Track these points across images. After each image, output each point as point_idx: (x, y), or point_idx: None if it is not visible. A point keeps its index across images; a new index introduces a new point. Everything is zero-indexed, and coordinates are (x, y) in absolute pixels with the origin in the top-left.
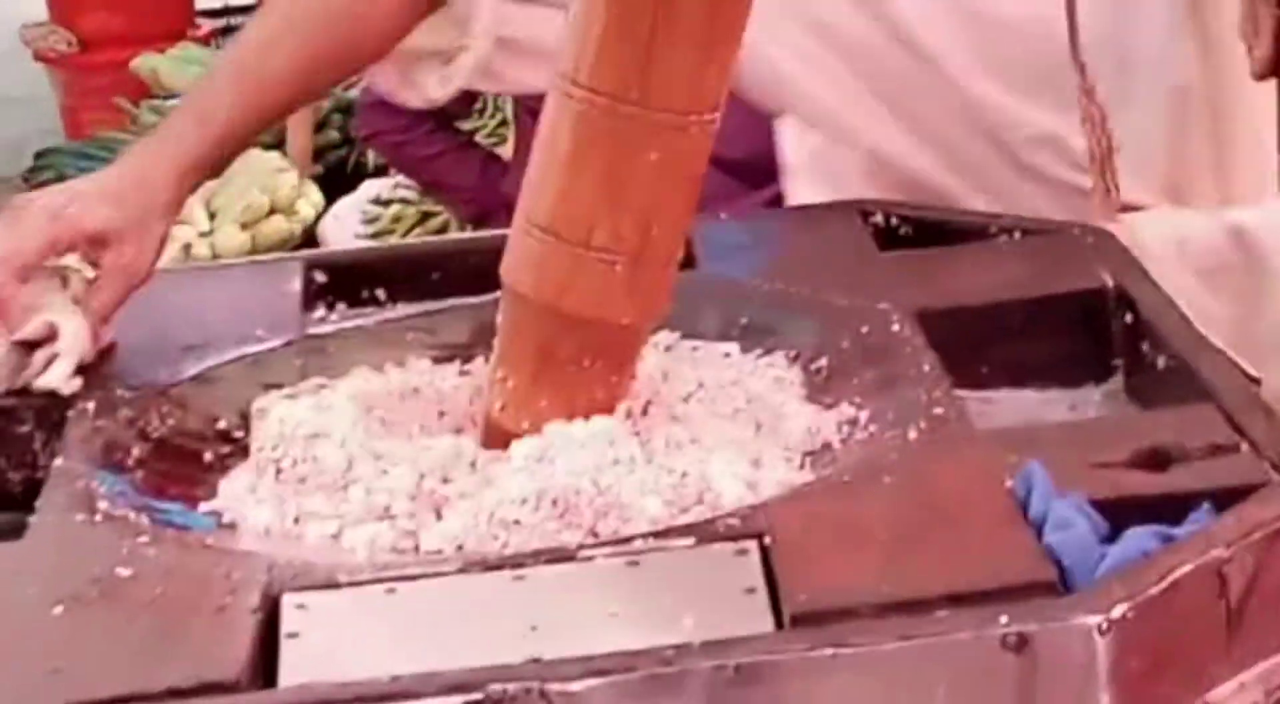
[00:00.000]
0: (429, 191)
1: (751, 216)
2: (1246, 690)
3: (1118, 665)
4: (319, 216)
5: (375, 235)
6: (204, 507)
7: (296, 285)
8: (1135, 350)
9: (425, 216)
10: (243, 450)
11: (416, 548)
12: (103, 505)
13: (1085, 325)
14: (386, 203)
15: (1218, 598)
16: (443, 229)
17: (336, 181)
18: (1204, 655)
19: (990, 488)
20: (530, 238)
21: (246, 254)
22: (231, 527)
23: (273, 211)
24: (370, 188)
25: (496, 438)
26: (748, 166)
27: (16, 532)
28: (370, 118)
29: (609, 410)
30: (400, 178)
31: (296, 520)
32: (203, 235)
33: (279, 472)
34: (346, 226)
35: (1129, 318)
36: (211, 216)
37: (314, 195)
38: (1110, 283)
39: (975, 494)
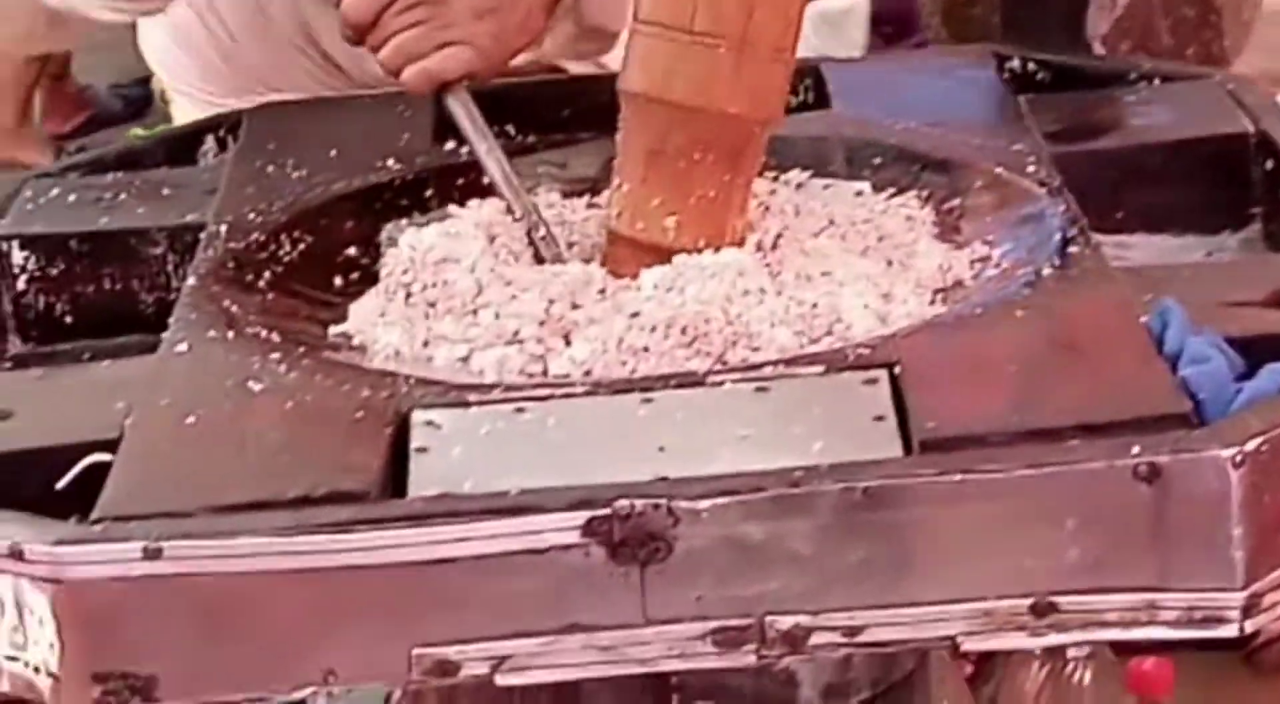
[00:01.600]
0: None
1: (885, 58)
2: None
3: (1250, 499)
4: None
5: None
6: (334, 329)
7: (428, 117)
8: (1275, 198)
9: None
10: (372, 276)
11: (545, 372)
12: (235, 323)
13: (1224, 171)
14: None
15: None
16: None
17: None
18: None
19: (1125, 323)
20: (638, 35)
21: None
22: (361, 348)
23: None
24: None
25: (616, 246)
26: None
27: (151, 350)
28: None
29: (722, 212)
30: None
31: (425, 343)
32: None
33: (408, 296)
34: None
35: (1269, 165)
36: None
37: None
38: (1251, 128)
39: (1109, 328)
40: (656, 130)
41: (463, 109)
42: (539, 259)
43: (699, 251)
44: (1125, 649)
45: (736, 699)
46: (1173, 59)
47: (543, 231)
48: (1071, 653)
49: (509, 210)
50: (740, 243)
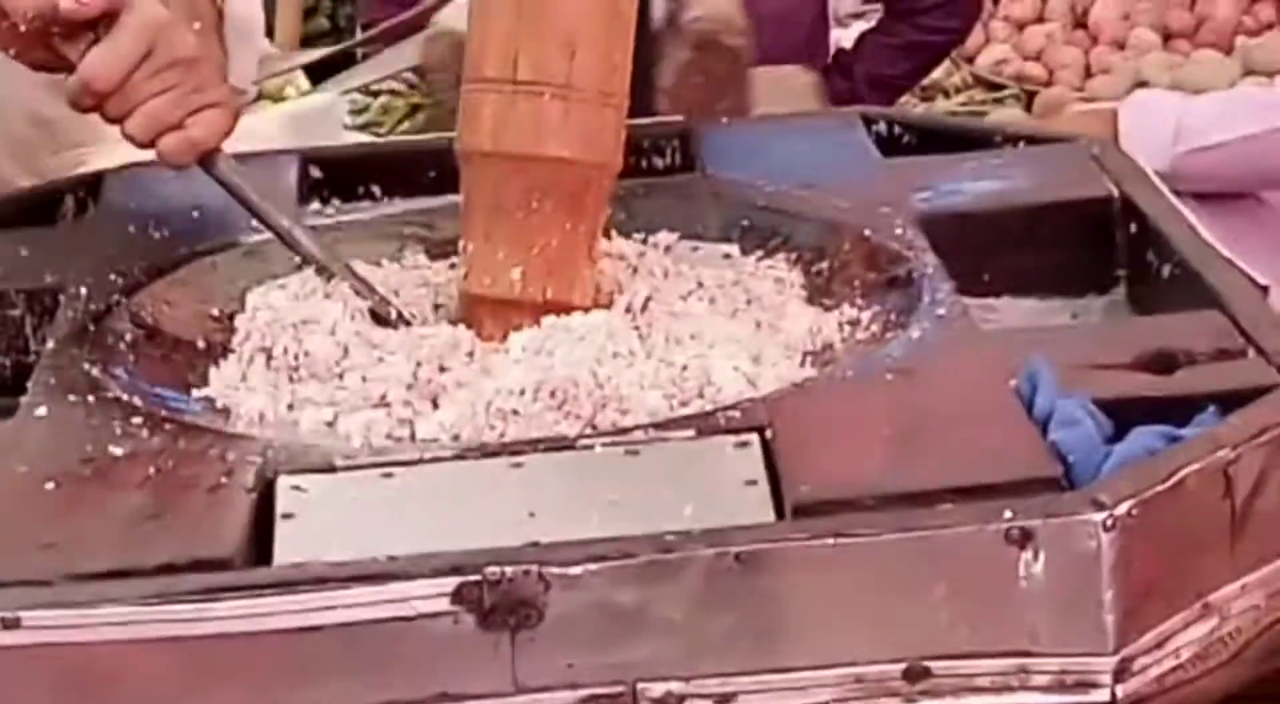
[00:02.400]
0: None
1: (754, 121)
2: (1249, 593)
3: (1121, 562)
4: None
5: (363, 127)
6: (196, 393)
7: (292, 179)
8: (1139, 259)
9: (414, 109)
10: (237, 338)
11: (413, 436)
12: (96, 388)
13: (1088, 235)
14: (375, 93)
15: (1223, 499)
16: (432, 122)
17: (326, 71)
18: (1207, 556)
19: (994, 386)
20: (466, 95)
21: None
22: (225, 412)
23: (259, 98)
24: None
25: (471, 308)
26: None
27: (7, 413)
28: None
29: (568, 261)
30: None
31: (290, 407)
32: None
33: (273, 359)
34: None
35: (1133, 228)
36: None
37: (301, 83)
38: (1115, 192)
39: (979, 392)
40: (493, 184)
41: (235, 176)
42: (378, 320)
43: (549, 304)
44: None
45: None
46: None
47: (376, 296)
48: None
49: (320, 272)
50: (600, 298)
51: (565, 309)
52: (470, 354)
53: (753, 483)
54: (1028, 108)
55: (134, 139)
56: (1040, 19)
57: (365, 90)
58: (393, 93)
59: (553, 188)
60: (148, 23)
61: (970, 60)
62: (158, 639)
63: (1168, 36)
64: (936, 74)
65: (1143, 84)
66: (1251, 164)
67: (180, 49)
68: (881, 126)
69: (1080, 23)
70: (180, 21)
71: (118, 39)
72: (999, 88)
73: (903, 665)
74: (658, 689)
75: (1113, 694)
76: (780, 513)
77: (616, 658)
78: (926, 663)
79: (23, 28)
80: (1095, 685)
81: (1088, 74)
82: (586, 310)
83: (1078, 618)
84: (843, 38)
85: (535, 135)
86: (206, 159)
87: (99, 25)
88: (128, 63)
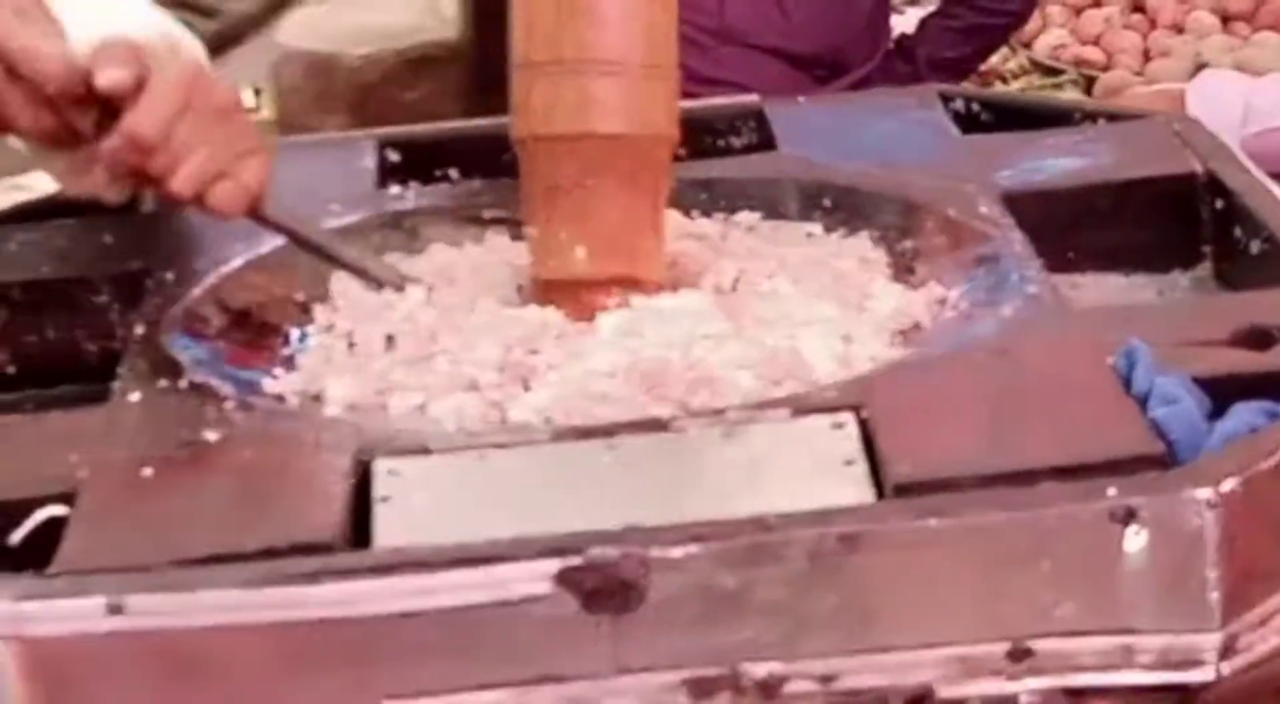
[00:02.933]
0: None
1: (829, 99)
2: None
3: (1226, 539)
4: None
5: None
6: (284, 378)
7: (370, 163)
8: (1226, 235)
9: None
10: (322, 323)
11: (503, 419)
12: (186, 372)
13: (1173, 211)
14: None
15: None
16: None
17: None
18: None
19: (1091, 364)
20: (518, 83)
21: None
22: (314, 397)
23: None
24: None
25: (541, 292)
26: (816, 61)
27: (98, 399)
28: None
29: (631, 236)
30: None
31: (379, 391)
32: None
33: (358, 345)
34: None
35: (1219, 203)
36: None
37: None
38: (1199, 168)
39: (1076, 370)
40: (549, 167)
41: (285, 215)
42: None
43: (616, 281)
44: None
45: None
46: None
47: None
48: (1024, 699)
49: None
50: (685, 279)
51: (634, 284)
52: (559, 336)
53: (850, 463)
54: (1087, 92)
55: (181, 196)
56: (1098, 3)
57: None
58: None
59: (608, 165)
60: (183, 73)
61: (1028, 45)
62: (260, 624)
63: (1226, 19)
64: (994, 60)
65: (1203, 67)
66: None
67: (216, 97)
68: (959, 104)
69: (1138, 6)
70: (205, 68)
71: (158, 90)
72: (1057, 73)
73: (1006, 645)
74: (760, 670)
75: (1218, 672)
76: (880, 493)
77: (718, 640)
78: (1030, 643)
79: (50, 90)
80: (1200, 664)
81: (1146, 58)
82: (663, 287)
83: (1182, 596)
84: (901, 23)
85: (585, 114)
86: (255, 205)
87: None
88: (171, 113)
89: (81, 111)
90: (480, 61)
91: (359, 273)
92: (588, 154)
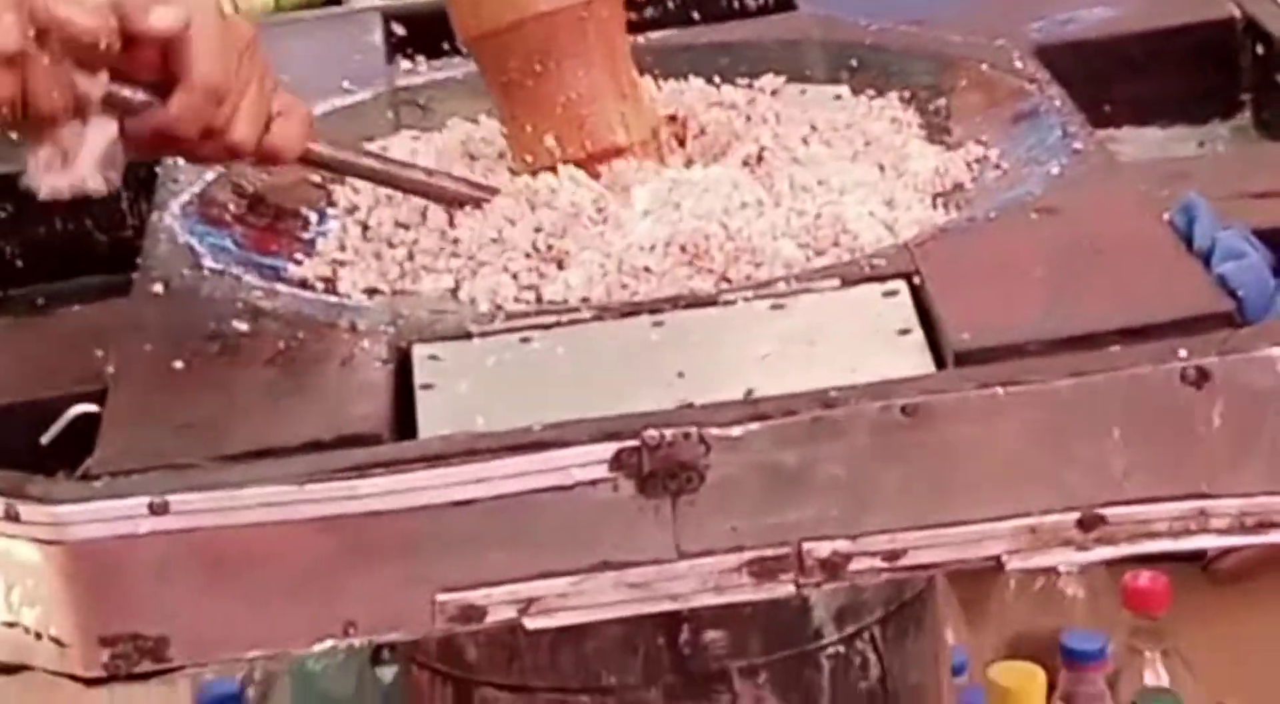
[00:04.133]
0: None
1: None
2: None
3: None
4: None
5: None
6: (307, 263)
7: (377, 38)
8: (1267, 82)
9: None
10: (343, 206)
11: (539, 299)
12: (207, 261)
13: (1211, 58)
14: None
15: None
16: None
17: None
18: None
19: (1148, 220)
20: None
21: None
22: (340, 282)
23: None
24: None
25: None
26: None
27: (119, 292)
28: None
29: (598, 109)
30: None
31: (404, 275)
32: None
33: (379, 227)
34: None
35: (1259, 48)
36: None
37: None
38: (1238, 13)
39: (1133, 227)
40: (495, 64)
41: (339, 150)
42: None
43: (595, 156)
44: (1114, 561)
45: (748, 626)
46: None
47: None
48: (1063, 568)
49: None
50: (715, 149)
51: (616, 153)
52: (593, 214)
53: (906, 332)
54: None
55: (243, 146)
56: None
57: None
58: None
59: (550, 46)
60: (209, 7)
61: None
62: (308, 519)
63: None
64: None
65: None
66: None
67: (242, 35)
68: None
69: None
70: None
71: (208, 29)
72: None
73: (1077, 514)
74: (824, 549)
75: None
76: (939, 362)
77: (780, 518)
78: (1101, 510)
79: (103, 43)
80: (1276, 526)
81: None
82: (662, 147)
83: (1257, 458)
84: None
85: (509, 1)
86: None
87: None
88: (229, 52)
89: (126, 70)
90: None
91: (431, 194)
92: (527, 41)
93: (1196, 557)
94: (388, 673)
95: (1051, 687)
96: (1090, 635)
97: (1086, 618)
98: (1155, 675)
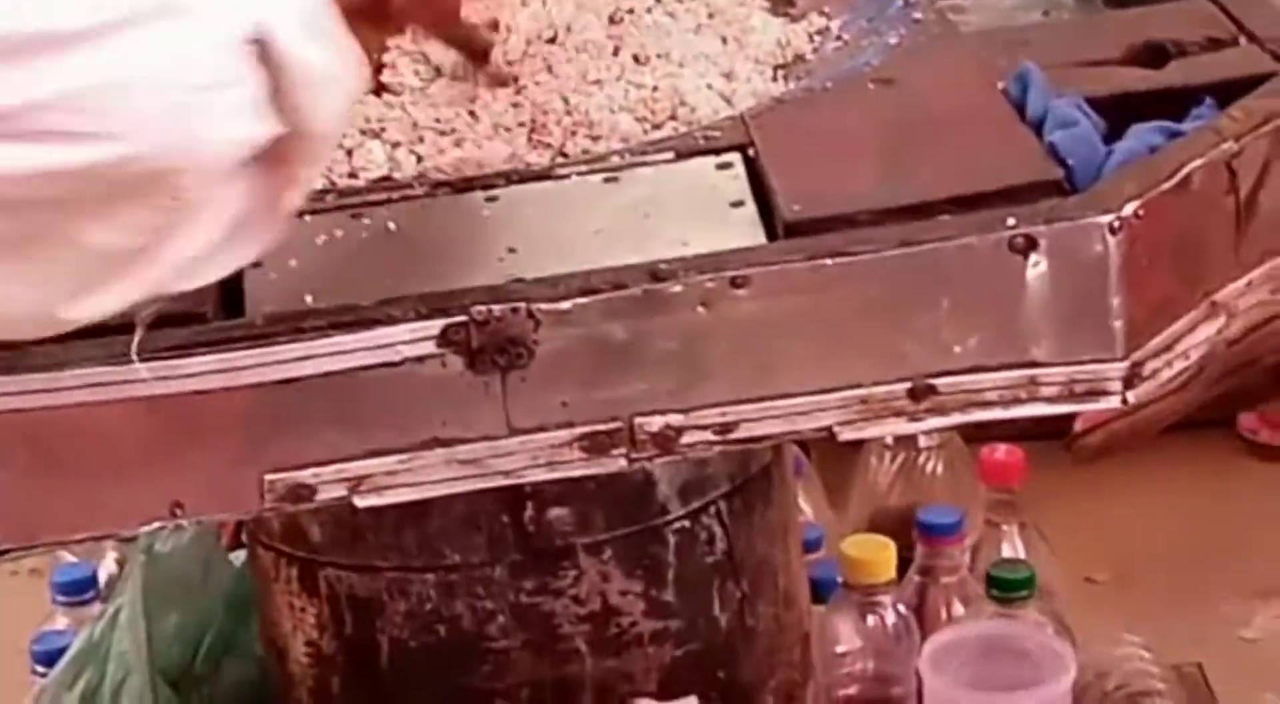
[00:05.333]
0: None
1: None
2: (1254, 289)
3: (1128, 266)
4: None
5: None
6: None
7: None
8: None
9: None
10: None
11: (353, 173)
12: None
13: None
14: None
15: (1227, 194)
16: None
17: None
18: (1213, 253)
19: (983, 89)
20: None
21: None
22: None
23: None
24: None
25: None
26: None
27: None
28: None
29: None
30: None
31: None
32: None
33: None
34: None
35: None
36: None
37: None
38: None
39: (968, 97)
40: None
41: None
42: None
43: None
44: (975, 438)
45: (592, 502)
46: None
47: None
48: (923, 442)
49: None
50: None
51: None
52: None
53: (739, 204)
54: None
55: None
56: None
57: None
58: None
59: None
60: None
61: None
62: (133, 399)
63: None
64: None
65: None
66: None
67: None
68: None
69: None
70: None
71: None
72: None
73: (908, 384)
74: (655, 423)
75: (1124, 400)
76: (771, 234)
77: (611, 393)
78: (932, 380)
79: None
80: (1106, 393)
81: None
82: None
83: (1085, 325)
84: None
85: None
86: None
87: None
88: None
89: None
90: None
91: None
92: None
93: (1058, 434)
94: (239, 556)
95: (910, 561)
96: (946, 510)
97: (946, 495)
98: (1013, 549)
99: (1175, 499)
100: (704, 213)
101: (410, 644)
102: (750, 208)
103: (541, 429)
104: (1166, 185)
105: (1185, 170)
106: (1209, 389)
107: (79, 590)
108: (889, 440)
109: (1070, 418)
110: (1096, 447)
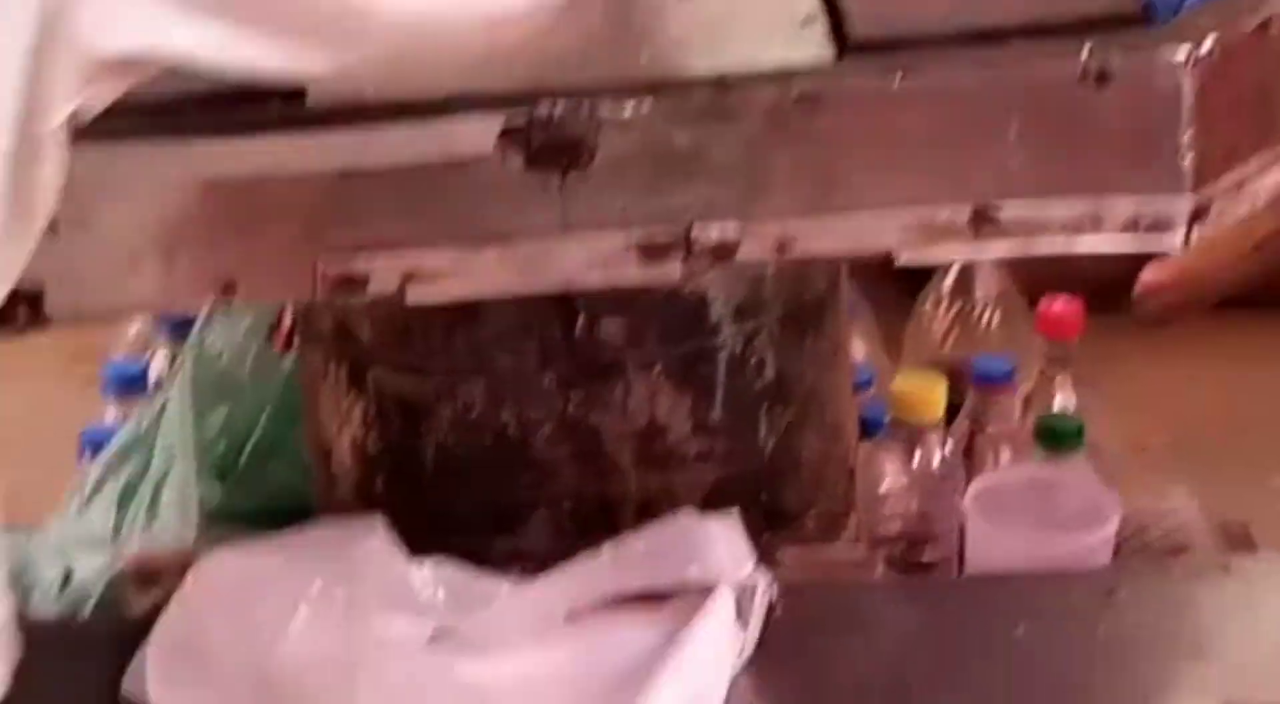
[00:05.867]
0: None
1: None
2: None
3: (1201, 102)
4: None
5: None
6: None
7: None
8: None
9: None
10: None
11: None
12: None
13: None
14: None
15: None
16: None
17: None
18: None
19: None
20: None
21: None
22: None
23: None
24: None
25: None
26: None
27: None
28: None
29: None
30: None
31: None
32: None
33: None
34: None
35: None
36: None
37: None
38: None
39: None
40: None
41: None
42: None
43: None
44: (1033, 291)
45: (645, 318)
46: None
47: None
48: (979, 293)
49: None
50: None
51: None
52: None
53: (810, 21)
54: None
55: None
56: None
57: None
58: None
59: None
60: None
61: None
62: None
63: None
64: None
65: None
66: None
67: None
68: None
69: None
70: None
71: None
72: None
73: (970, 209)
74: (714, 232)
75: (1188, 237)
76: (840, 53)
77: (671, 200)
78: (995, 205)
79: None
80: (1170, 228)
81: None
82: None
83: (1154, 160)
84: None
85: None
86: None
87: None
88: None
89: None
90: None
91: None
92: None
93: (1119, 302)
94: (289, 361)
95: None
96: (1000, 359)
97: (1002, 348)
98: (1066, 403)
99: (1232, 371)
100: (772, 28)
101: (455, 450)
102: (820, 25)
103: (598, 231)
104: (1247, 27)
105: (1267, 14)
106: (1266, 265)
107: (129, 384)
108: (945, 291)
109: (1129, 289)
110: (1158, 313)
